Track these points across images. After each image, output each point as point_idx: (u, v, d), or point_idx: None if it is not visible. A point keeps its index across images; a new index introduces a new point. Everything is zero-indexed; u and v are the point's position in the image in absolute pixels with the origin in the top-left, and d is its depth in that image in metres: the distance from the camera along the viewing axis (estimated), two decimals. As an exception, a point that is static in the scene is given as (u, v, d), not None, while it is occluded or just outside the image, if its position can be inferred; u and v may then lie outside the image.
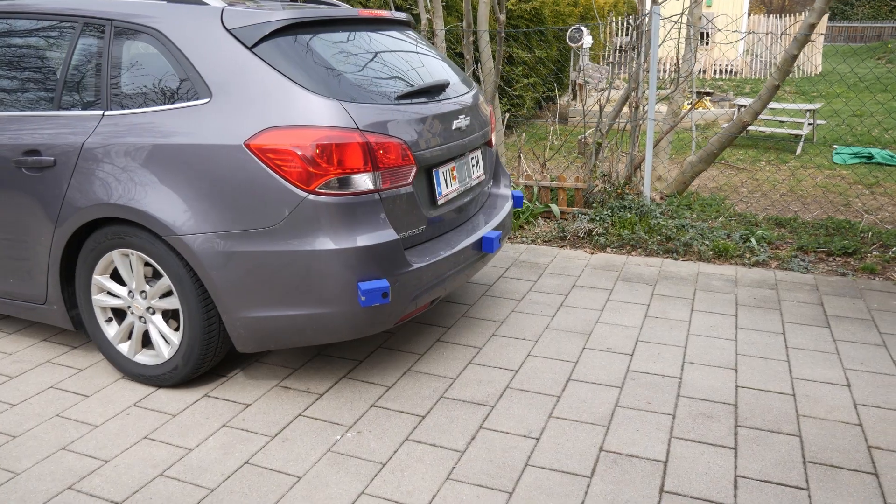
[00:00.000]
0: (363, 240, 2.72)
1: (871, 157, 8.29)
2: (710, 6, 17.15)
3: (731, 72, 17.75)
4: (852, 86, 14.79)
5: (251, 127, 2.70)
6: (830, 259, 4.91)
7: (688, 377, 3.23)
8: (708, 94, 12.59)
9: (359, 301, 2.74)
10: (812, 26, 4.91)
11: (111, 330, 3.21)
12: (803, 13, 18.80)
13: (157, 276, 3.09)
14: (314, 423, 2.88)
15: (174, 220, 2.78)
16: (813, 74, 17.80)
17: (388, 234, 2.78)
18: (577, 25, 10.26)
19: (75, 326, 3.32)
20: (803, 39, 4.97)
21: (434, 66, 3.46)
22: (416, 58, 3.39)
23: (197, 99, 2.81)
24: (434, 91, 3.25)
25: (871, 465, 2.59)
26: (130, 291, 3.10)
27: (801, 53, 17.54)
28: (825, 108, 12.18)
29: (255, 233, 2.72)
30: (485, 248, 3.38)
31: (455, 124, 3.24)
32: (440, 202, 3.17)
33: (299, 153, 2.65)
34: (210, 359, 3.05)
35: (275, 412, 2.97)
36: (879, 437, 2.77)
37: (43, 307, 3.31)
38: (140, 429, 2.87)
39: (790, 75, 17.68)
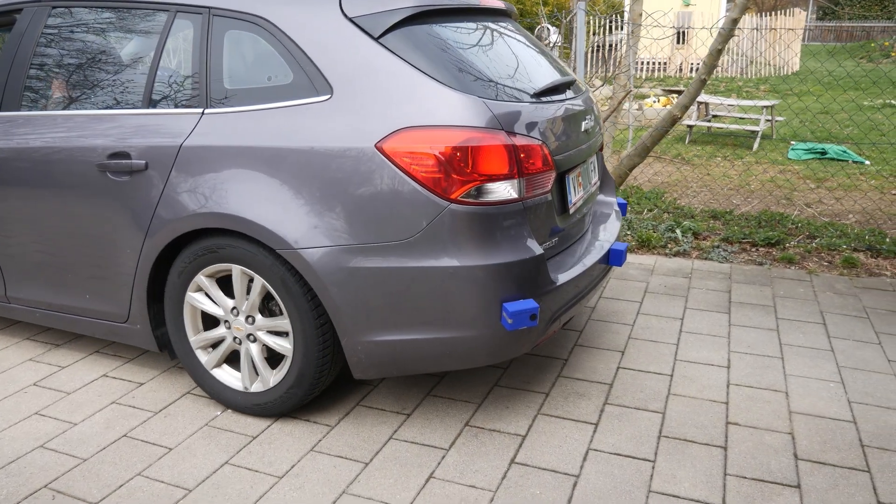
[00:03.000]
0: (509, 255, 2.43)
1: (824, 152, 8.38)
2: (688, 5, 17.25)
3: (709, 70, 17.84)
4: (826, 84, 14.88)
5: (382, 127, 2.39)
6: (753, 249, 5.00)
7: (574, 359, 3.33)
8: (678, 92, 12.68)
9: (503, 324, 2.45)
10: (735, 21, 5.00)
11: (205, 355, 2.90)
12: (790, 12, 18.89)
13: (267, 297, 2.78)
14: (199, 401, 2.98)
15: (290, 232, 2.47)
16: (789, 73, 17.89)
17: (533, 248, 2.49)
18: (544, 24, 10.36)
19: (160, 347, 3.01)
20: (727, 34, 5.05)
21: (549, 61, 3.17)
22: (531, 51, 3.09)
23: (315, 96, 2.49)
24: (562, 89, 2.99)
25: (724, 440, 2.69)
26: (234, 309, 2.77)
27: (776, 52, 17.66)
28: (794, 105, 12.27)
29: (385, 246, 2.41)
30: (612, 261, 3.10)
31: (583, 125, 2.98)
32: (571, 211, 2.86)
33: (441, 157, 2.34)
34: (320, 386, 2.73)
35: (164, 391, 3.07)
36: (741, 414, 2.87)
37: (124, 326, 3.00)
38: (33, 405, 2.97)
39: (769, 73, 17.78)
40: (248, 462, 2.57)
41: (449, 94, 2.40)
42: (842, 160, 8.17)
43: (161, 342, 3.00)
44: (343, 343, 2.57)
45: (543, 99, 2.74)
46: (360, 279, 2.45)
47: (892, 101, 12.40)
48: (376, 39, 2.49)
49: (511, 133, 2.45)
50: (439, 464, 2.55)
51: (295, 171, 2.47)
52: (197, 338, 2.86)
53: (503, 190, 2.42)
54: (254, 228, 2.51)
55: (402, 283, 2.43)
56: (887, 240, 5.04)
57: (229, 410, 2.90)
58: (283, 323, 2.64)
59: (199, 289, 2.79)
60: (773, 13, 19.26)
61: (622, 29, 15.22)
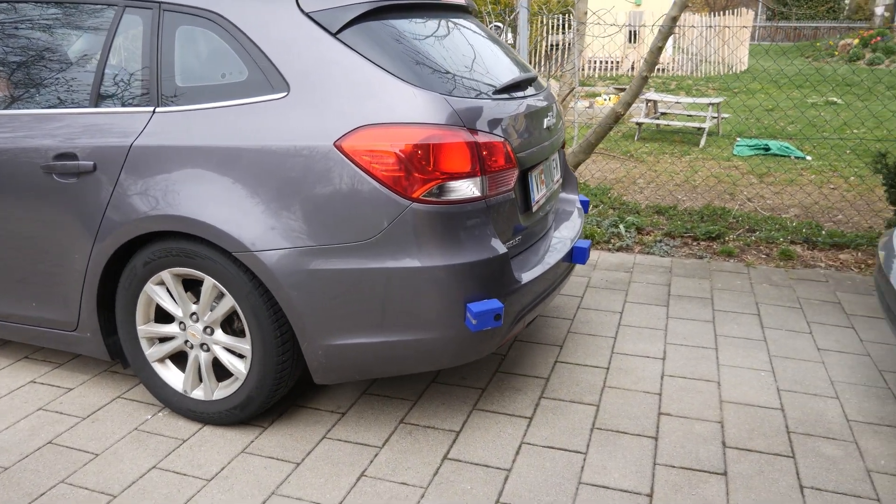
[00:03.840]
0: (473, 254, 2.39)
1: (768, 148, 8.57)
2: (639, 5, 17.49)
3: (661, 69, 18.11)
4: (773, 82, 15.22)
5: (341, 125, 2.33)
6: (694, 243, 5.09)
7: (512, 354, 3.34)
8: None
9: (467, 324, 2.41)
10: (674, 19, 5.08)
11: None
12: (738, 12, 19.27)
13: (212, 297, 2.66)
14: (129, 405, 2.92)
15: (246, 234, 2.39)
16: (739, 71, 18.26)
17: (497, 247, 2.45)
18: (495, 23, 10.40)
19: (112, 356, 2.89)
20: (667, 32, 5.13)
21: (510, 57, 3.13)
22: (492, 47, 3.05)
23: (271, 93, 2.42)
24: (524, 86, 2.95)
25: (655, 431, 2.72)
26: (194, 315, 2.68)
27: (728, 50, 18.00)
28: (742, 103, 12.52)
29: (346, 248, 2.36)
30: (576, 259, 3.09)
31: (546, 122, 2.95)
32: (534, 209, 2.84)
33: (402, 155, 2.29)
34: (280, 393, 2.66)
35: (94, 396, 3.00)
36: (673, 404, 2.91)
37: (73, 334, 2.88)
38: (-45, 414, 2.88)
39: (719, 71, 18.12)
40: (177, 465, 2.52)
41: (409, 91, 2.35)
42: (784, 156, 8.35)
43: (113, 350, 2.88)
44: (303, 348, 2.50)
45: (505, 96, 2.71)
46: (320, 281, 2.39)
47: (835, 99, 12.72)
48: (334, 35, 2.43)
49: (473, 130, 2.41)
50: (371, 462, 2.54)
51: (251, 171, 2.39)
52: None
53: (466, 188, 2.38)
54: (208, 230, 2.42)
55: (364, 284, 2.37)
56: (823, 232, 5.17)
57: (160, 414, 2.84)
58: (244, 348, 2.58)
59: (161, 283, 2.69)
60: (723, 13, 19.64)
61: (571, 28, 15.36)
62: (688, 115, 10.36)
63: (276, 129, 2.38)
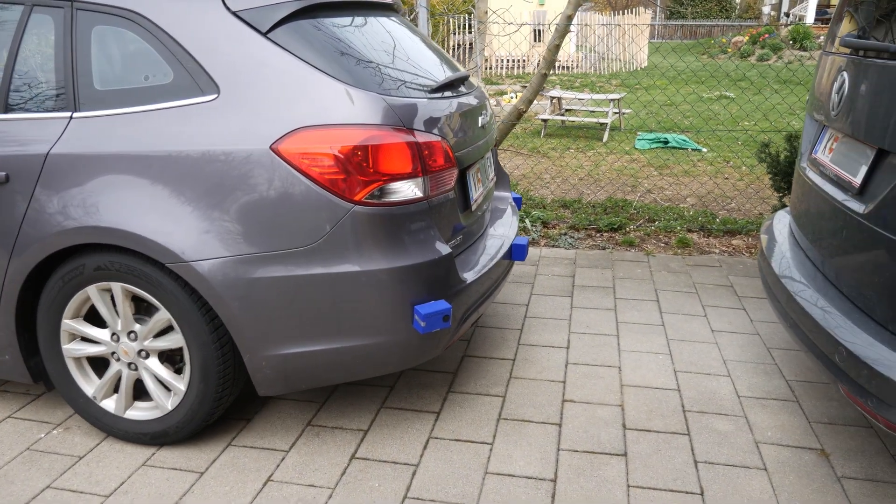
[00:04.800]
0: (418, 256, 2.37)
1: (666, 142, 8.90)
2: (542, 5, 17.86)
3: (566, 67, 18.57)
4: (670, 78, 15.83)
5: (277, 128, 2.25)
6: (598, 235, 5.24)
7: (421, 350, 3.36)
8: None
9: (416, 327, 2.38)
10: (569, 17, 5.22)
11: (89, 384, 2.65)
12: (637, 11, 19.93)
13: (145, 312, 2.55)
14: (21, 424, 2.79)
15: (178, 243, 2.27)
16: (639, 69, 18.91)
17: (441, 248, 2.44)
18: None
19: (34, 379, 2.70)
20: (563, 30, 5.27)
21: (439, 56, 3.09)
22: (421, 46, 3.01)
23: (200, 95, 2.31)
24: (457, 84, 2.93)
25: (559, 417, 2.80)
26: (114, 334, 2.56)
27: (626, 49, 18.62)
28: (642, 98, 12.97)
29: (287, 254, 2.28)
30: (515, 256, 3.12)
31: (480, 121, 2.94)
32: (473, 208, 2.84)
33: (342, 157, 2.23)
34: (222, 407, 2.57)
35: (-18, 416, 2.85)
36: (576, 391, 2.99)
37: None
38: None
39: (620, 69, 18.70)
40: (73, 483, 2.42)
41: (346, 91, 2.29)
42: (681, 148, 8.70)
43: (35, 373, 2.70)
44: (246, 360, 2.41)
45: (440, 95, 2.68)
46: (262, 290, 2.30)
47: (728, 93, 13.34)
48: (264, 35, 2.33)
49: (412, 130, 2.37)
50: (278, 466, 2.51)
51: (181, 177, 2.28)
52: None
53: (408, 189, 2.35)
54: (138, 241, 2.29)
55: (308, 291, 2.31)
56: (717, 220, 5.42)
57: (55, 432, 2.72)
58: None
59: (88, 299, 2.54)
60: (623, 12, 20.29)
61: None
62: (591, 112, 10.66)
63: (208, 133, 2.28)
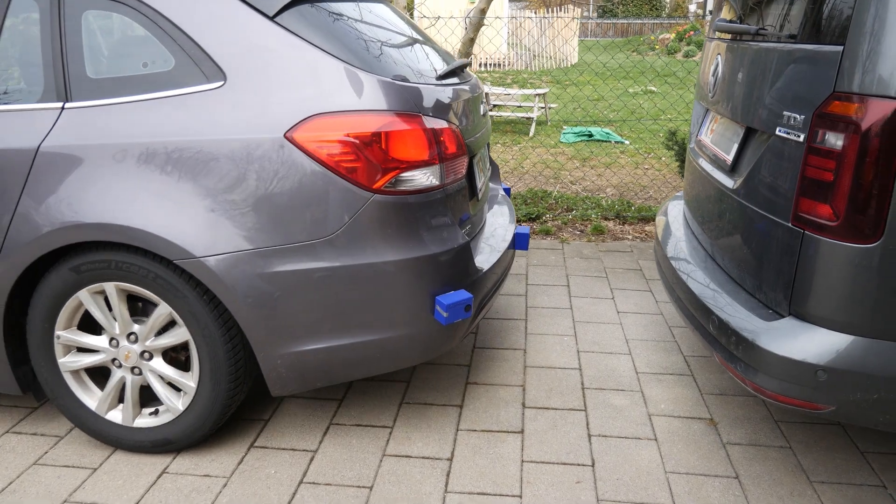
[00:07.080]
0: (438, 245, 2.29)
1: (590, 135, 9.08)
2: (473, 2, 17.98)
3: (497, 64, 18.75)
4: (599, 74, 16.14)
5: (291, 115, 2.14)
6: (518, 225, 5.32)
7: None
8: (466, 84, 13.19)
9: (438, 318, 2.31)
10: (483, 11, 5.29)
11: (90, 397, 2.51)
12: (566, 9, 20.24)
13: (141, 312, 2.42)
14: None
15: (189, 239, 2.15)
16: (568, 65, 19.23)
17: (458, 237, 2.37)
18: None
19: (23, 389, 2.52)
20: (478, 24, 5.34)
21: (433, 46, 3.01)
22: (417, 35, 2.94)
23: (205, 83, 2.18)
24: (458, 72, 2.87)
25: (461, 400, 2.84)
26: (113, 339, 2.42)
27: (557, 47, 18.90)
28: (570, 93, 13.20)
29: (304, 246, 2.18)
30: (518, 245, 3.08)
31: (482, 109, 2.91)
32: (479, 196, 2.79)
33: (360, 144, 2.14)
34: (232, 409, 2.47)
35: None
36: (481, 374, 3.05)
37: None
38: None
39: (551, 65, 18.96)
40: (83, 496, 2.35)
41: (361, 77, 2.20)
42: (605, 141, 8.89)
43: (24, 383, 2.54)
44: (260, 359, 2.30)
45: (446, 82, 2.63)
46: (276, 285, 2.20)
47: (652, 88, 13.68)
48: (271, 18, 2.21)
49: (428, 116, 2.30)
50: (174, 458, 2.49)
51: (188, 169, 2.16)
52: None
53: (425, 177, 2.28)
54: (144, 238, 2.17)
55: (326, 284, 2.21)
56: (633, 208, 5.56)
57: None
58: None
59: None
60: (555, 10, 20.59)
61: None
62: (518, 107, 10.80)
63: (215, 122, 2.16)
